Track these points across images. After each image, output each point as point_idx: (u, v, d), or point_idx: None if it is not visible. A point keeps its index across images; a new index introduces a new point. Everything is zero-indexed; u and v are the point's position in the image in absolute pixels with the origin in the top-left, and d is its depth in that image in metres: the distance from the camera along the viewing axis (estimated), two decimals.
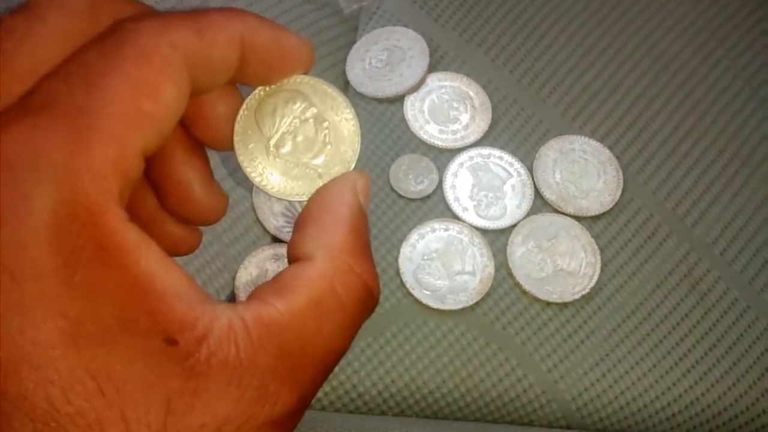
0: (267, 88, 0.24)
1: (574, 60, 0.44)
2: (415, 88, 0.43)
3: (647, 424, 0.38)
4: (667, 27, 0.45)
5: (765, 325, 0.39)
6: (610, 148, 0.42)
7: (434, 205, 0.40)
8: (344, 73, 0.43)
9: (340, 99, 0.25)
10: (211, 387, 0.18)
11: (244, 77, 0.23)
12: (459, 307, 0.38)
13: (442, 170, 0.41)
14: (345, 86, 0.43)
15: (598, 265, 0.39)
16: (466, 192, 0.40)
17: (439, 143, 0.42)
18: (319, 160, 0.25)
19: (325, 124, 0.25)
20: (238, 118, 0.24)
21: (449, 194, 0.40)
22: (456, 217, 0.40)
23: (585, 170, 0.41)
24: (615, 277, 0.39)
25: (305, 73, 0.24)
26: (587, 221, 0.40)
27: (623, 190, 0.41)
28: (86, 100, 0.19)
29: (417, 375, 0.37)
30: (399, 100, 0.42)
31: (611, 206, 0.40)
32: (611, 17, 0.45)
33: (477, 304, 0.38)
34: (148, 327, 0.18)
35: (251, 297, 0.21)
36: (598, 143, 0.42)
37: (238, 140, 0.25)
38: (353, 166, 0.25)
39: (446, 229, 0.40)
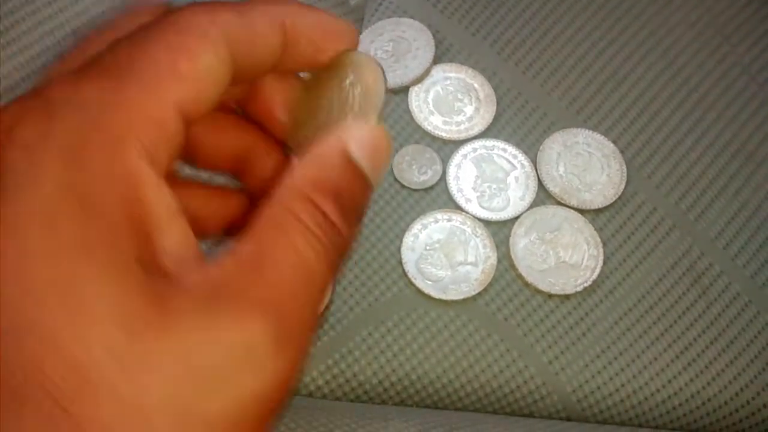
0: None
1: (580, 53, 0.44)
2: (419, 80, 0.43)
3: (647, 416, 0.38)
4: (673, 22, 0.45)
5: (767, 320, 0.39)
6: (614, 141, 0.42)
7: (437, 196, 0.40)
8: None
9: (372, 63, 0.24)
10: (176, 317, 0.18)
11: (291, 61, 0.24)
12: (461, 297, 0.38)
13: (445, 161, 0.41)
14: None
15: (601, 258, 0.39)
16: (469, 183, 0.41)
17: (443, 134, 0.42)
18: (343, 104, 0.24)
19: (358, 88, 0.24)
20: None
21: (452, 185, 0.40)
22: (459, 208, 0.40)
23: (589, 163, 0.41)
24: (617, 270, 0.39)
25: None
26: (590, 214, 0.40)
27: (627, 184, 0.41)
28: (127, 59, 0.20)
29: (418, 365, 0.38)
30: (404, 91, 0.43)
31: (614, 199, 0.40)
32: (618, 11, 0.45)
33: (479, 294, 0.38)
34: (128, 249, 0.19)
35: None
36: (602, 136, 0.42)
37: (292, 126, 0.25)
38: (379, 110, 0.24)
39: (449, 220, 0.40)
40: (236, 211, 0.27)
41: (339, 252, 0.21)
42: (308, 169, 0.21)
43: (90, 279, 0.18)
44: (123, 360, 0.17)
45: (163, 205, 0.20)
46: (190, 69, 0.21)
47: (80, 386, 0.17)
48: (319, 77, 0.25)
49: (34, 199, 0.18)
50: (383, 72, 0.24)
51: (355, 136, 0.22)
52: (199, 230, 0.22)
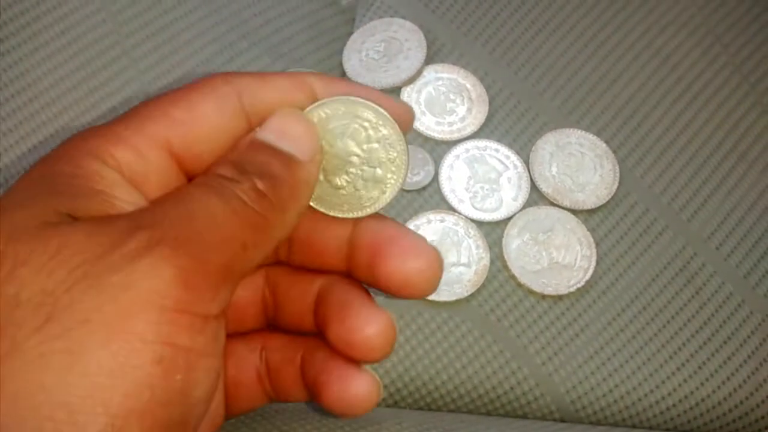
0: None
1: (572, 53, 0.44)
2: (411, 80, 0.42)
3: (641, 417, 0.37)
4: (665, 22, 0.45)
5: (759, 320, 0.39)
6: (607, 141, 0.42)
7: (430, 197, 0.40)
8: (341, 64, 0.43)
9: (398, 137, 0.25)
10: (69, 227, 0.19)
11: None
12: (453, 298, 0.38)
13: (438, 162, 0.41)
14: (342, 77, 0.43)
15: (594, 259, 0.39)
16: (462, 184, 0.40)
17: (435, 135, 0.41)
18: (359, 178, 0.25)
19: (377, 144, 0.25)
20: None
21: (445, 186, 0.40)
22: (452, 209, 0.40)
23: (581, 164, 0.41)
24: (610, 270, 0.39)
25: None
26: (583, 214, 0.40)
27: (619, 184, 0.41)
28: (134, 109, 0.23)
29: (411, 366, 0.37)
30: (396, 91, 0.42)
31: (607, 200, 0.40)
32: (610, 11, 0.45)
33: (472, 295, 0.38)
34: (56, 199, 0.20)
35: None
36: (595, 137, 0.42)
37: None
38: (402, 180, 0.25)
39: (442, 221, 0.40)
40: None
41: (250, 202, 0.21)
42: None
43: (7, 208, 0.20)
44: (2, 261, 0.18)
45: (128, 194, 0.21)
46: (183, 115, 0.22)
47: None
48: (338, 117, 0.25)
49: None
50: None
51: (266, 126, 0.23)
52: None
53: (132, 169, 0.21)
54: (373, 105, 0.24)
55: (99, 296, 0.18)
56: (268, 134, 0.23)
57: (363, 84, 0.25)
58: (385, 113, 0.24)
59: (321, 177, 0.25)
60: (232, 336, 0.27)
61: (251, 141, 0.23)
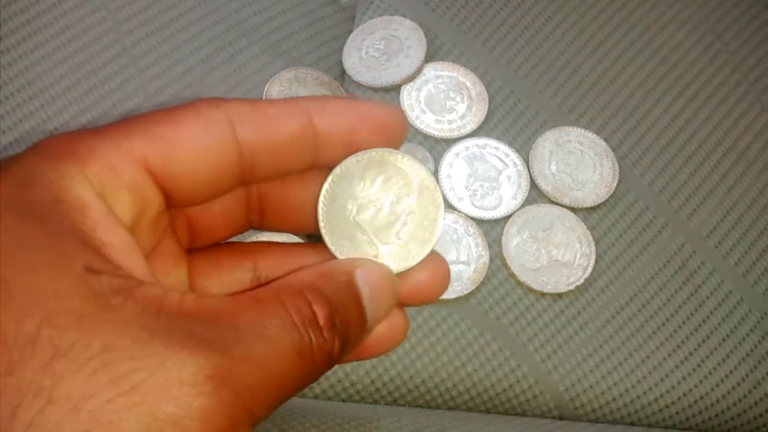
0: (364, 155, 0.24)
1: (572, 51, 0.44)
2: (411, 78, 0.42)
3: (640, 415, 0.38)
4: (665, 20, 0.45)
5: (758, 318, 0.39)
6: (606, 140, 0.42)
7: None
8: (341, 62, 0.43)
9: (438, 200, 0.24)
10: (114, 320, 0.18)
11: (329, 155, 0.24)
12: (453, 296, 0.38)
13: (437, 160, 0.41)
14: (341, 75, 0.43)
15: (593, 257, 0.39)
16: (461, 182, 0.40)
17: (435, 133, 0.41)
18: (384, 244, 0.24)
19: (410, 216, 0.24)
20: (330, 177, 0.24)
21: (445, 184, 0.40)
22: (451, 207, 0.40)
23: (581, 162, 0.41)
24: (609, 268, 0.39)
25: (398, 143, 0.24)
26: (582, 212, 0.40)
27: (619, 182, 0.41)
28: (115, 124, 0.21)
29: (410, 364, 0.37)
30: (395, 89, 0.42)
31: (607, 198, 0.40)
32: (610, 9, 0.45)
33: (471, 293, 0.38)
34: (75, 253, 0.18)
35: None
36: (595, 135, 0.42)
37: (324, 207, 0.24)
38: (404, 268, 0.24)
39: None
40: None
41: (313, 355, 0.20)
42: (314, 275, 0.22)
43: (22, 271, 0.18)
44: (36, 348, 0.17)
45: (113, 236, 0.20)
46: (163, 133, 0.21)
47: None
48: (372, 162, 0.24)
49: None
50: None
51: (367, 267, 0.23)
52: None
53: (103, 184, 0.20)
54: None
55: (144, 420, 0.17)
56: (365, 287, 0.22)
57: (360, 99, 0.24)
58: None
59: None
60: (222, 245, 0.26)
61: (349, 283, 0.22)
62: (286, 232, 0.26)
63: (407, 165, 0.24)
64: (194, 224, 0.25)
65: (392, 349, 0.25)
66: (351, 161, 0.24)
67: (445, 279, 0.25)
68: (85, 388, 0.17)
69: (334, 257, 0.24)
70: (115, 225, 0.20)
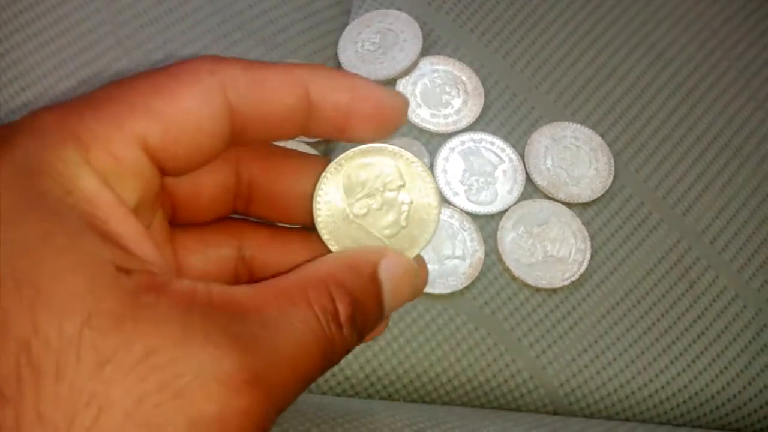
0: (360, 148, 0.24)
1: (568, 46, 0.44)
2: (407, 72, 0.42)
3: (634, 410, 0.37)
4: (661, 16, 0.45)
5: (753, 314, 0.39)
6: (602, 135, 0.42)
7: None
8: (336, 55, 0.43)
9: (430, 184, 0.24)
10: (151, 318, 0.18)
11: (318, 128, 0.23)
12: (448, 291, 0.38)
13: (433, 154, 0.41)
14: (337, 68, 0.43)
15: (588, 252, 0.39)
16: (457, 176, 0.40)
17: (430, 127, 0.41)
18: (389, 233, 0.24)
19: (406, 206, 0.24)
20: (325, 174, 0.24)
21: (440, 178, 0.40)
22: (447, 202, 0.40)
23: (576, 157, 0.41)
24: (604, 264, 0.39)
25: (394, 130, 0.24)
26: (578, 208, 0.40)
27: (614, 177, 0.41)
28: (107, 95, 0.21)
29: (405, 359, 0.37)
30: (391, 83, 0.42)
31: (602, 193, 0.40)
32: (606, 5, 0.45)
33: (466, 288, 0.38)
34: (101, 253, 0.18)
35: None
36: (590, 130, 0.42)
37: (320, 198, 0.24)
38: (419, 250, 0.24)
39: None
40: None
41: (332, 351, 0.21)
42: (338, 266, 0.22)
43: (54, 274, 0.17)
44: (80, 351, 0.17)
45: (126, 226, 0.19)
46: (164, 108, 0.20)
47: (22, 372, 0.17)
48: (363, 153, 0.24)
49: None
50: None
51: (391, 260, 0.23)
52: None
53: (105, 169, 0.20)
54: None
55: (190, 421, 0.17)
56: (387, 282, 0.23)
57: (361, 77, 0.23)
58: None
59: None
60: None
61: (372, 278, 0.22)
62: (271, 221, 0.26)
63: (392, 154, 0.24)
64: (178, 201, 0.24)
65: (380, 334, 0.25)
66: (342, 158, 0.24)
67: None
68: (135, 394, 0.17)
69: (326, 247, 0.24)
70: (126, 215, 0.20)
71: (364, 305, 0.22)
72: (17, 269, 0.17)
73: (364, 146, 0.24)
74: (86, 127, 0.20)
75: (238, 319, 0.19)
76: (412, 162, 0.24)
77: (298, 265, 0.22)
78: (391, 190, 0.24)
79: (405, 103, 0.24)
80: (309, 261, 0.23)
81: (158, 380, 0.17)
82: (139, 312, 0.18)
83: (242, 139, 0.23)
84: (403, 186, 0.24)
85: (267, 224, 0.26)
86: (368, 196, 0.24)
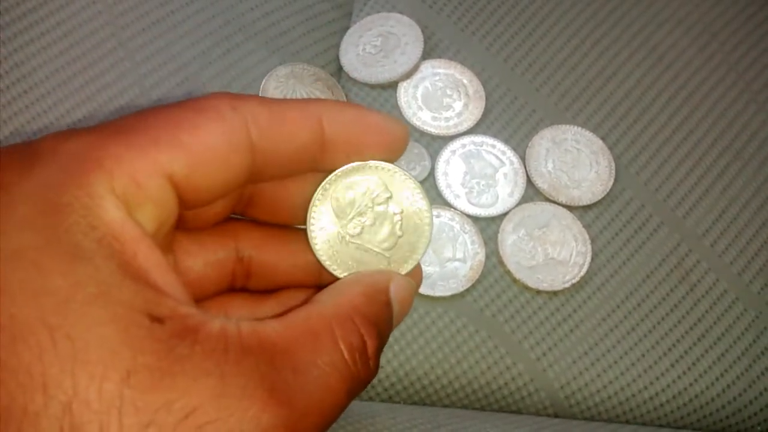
0: (342, 169, 0.24)
1: (569, 50, 0.44)
2: (408, 75, 0.42)
3: (635, 413, 0.38)
4: (661, 19, 0.45)
5: (753, 317, 0.39)
6: (603, 138, 0.42)
7: (426, 192, 0.40)
8: (338, 58, 0.43)
9: (416, 189, 0.25)
10: (188, 372, 0.18)
11: (330, 161, 0.24)
12: (449, 293, 0.38)
13: (434, 157, 0.41)
14: (338, 71, 0.43)
15: (589, 255, 0.39)
16: (458, 179, 0.40)
17: (431, 130, 0.41)
18: (388, 245, 0.25)
19: (398, 215, 0.25)
20: (313, 202, 0.25)
21: (441, 181, 0.40)
22: (447, 204, 0.40)
23: (577, 160, 0.41)
24: (605, 266, 0.39)
25: (400, 155, 0.25)
26: (579, 211, 0.40)
27: (615, 180, 0.41)
28: (132, 123, 0.21)
29: (405, 361, 0.37)
30: (392, 86, 0.42)
31: (603, 196, 0.40)
32: (607, 8, 0.45)
33: (467, 291, 0.38)
34: (133, 301, 0.18)
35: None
36: (591, 133, 0.42)
37: (313, 225, 0.25)
38: (421, 256, 0.25)
39: (437, 216, 0.40)
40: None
41: (357, 387, 0.21)
42: (359, 298, 0.22)
43: (88, 326, 0.17)
44: (122, 414, 0.17)
45: (152, 260, 0.19)
46: (189, 141, 0.20)
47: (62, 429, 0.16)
48: (347, 173, 0.25)
49: (9, 239, 0.18)
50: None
51: (399, 283, 0.24)
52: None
53: (127, 196, 0.20)
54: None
55: None
56: (395, 303, 0.23)
57: (368, 109, 0.24)
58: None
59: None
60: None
61: (388, 304, 0.23)
62: (270, 223, 0.26)
63: (373, 168, 0.25)
64: (183, 214, 0.25)
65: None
66: (326, 183, 0.25)
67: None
68: None
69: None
70: (151, 247, 0.19)
71: (384, 334, 0.22)
72: (51, 323, 0.17)
73: (344, 167, 0.24)
74: (110, 154, 0.19)
75: (270, 363, 0.19)
76: (395, 172, 0.25)
77: (318, 289, 0.23)
78: (380, 204, 0.25)
79: (407, 130, 0.25)
80: (327, 287, 0.23)
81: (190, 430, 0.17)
82: (176, 365, 0.18)
83: (261, 176, 0.23)
84: (390, 197, 0.25)
85: (264, 224, 0.26)
86: (359, 214, 0.25)
